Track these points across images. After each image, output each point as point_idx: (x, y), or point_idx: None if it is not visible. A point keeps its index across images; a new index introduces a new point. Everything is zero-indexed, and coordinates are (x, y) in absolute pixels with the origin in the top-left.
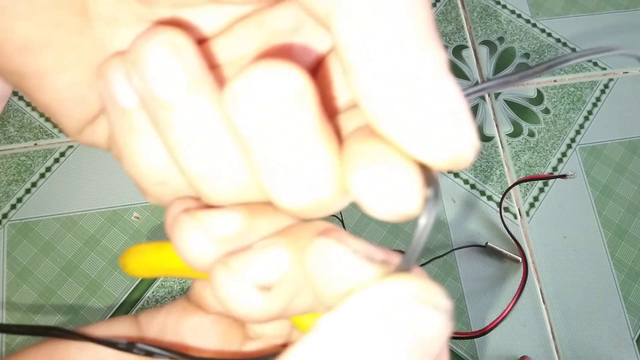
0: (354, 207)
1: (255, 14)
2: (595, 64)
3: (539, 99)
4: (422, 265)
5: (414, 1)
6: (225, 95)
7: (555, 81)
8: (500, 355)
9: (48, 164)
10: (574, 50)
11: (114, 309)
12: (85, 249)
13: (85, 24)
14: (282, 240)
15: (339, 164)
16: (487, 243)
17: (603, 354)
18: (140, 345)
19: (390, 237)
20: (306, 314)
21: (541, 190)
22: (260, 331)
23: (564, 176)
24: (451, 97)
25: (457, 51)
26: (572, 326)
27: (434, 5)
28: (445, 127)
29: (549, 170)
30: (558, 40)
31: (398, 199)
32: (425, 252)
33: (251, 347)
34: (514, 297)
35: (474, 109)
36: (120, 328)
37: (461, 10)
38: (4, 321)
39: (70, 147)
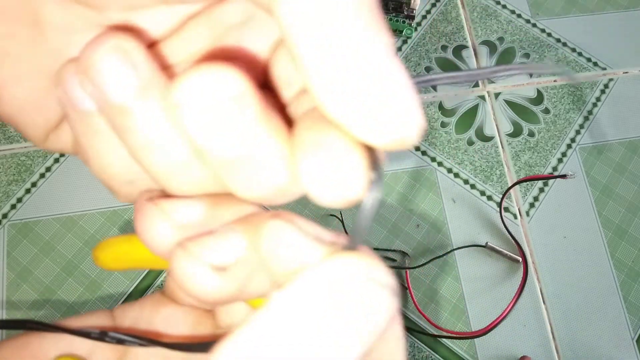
0: (354, 207)
1: (205, 11)
2: (595, 64)
3: (539, 99)
4: (422, 265)
5: None
6: (168, 101)
7: (555, 81)
8: (500, 355)
9: (48, 164)
10: (573, 50)
11: None
12: (85, 249)
13: (38, 34)
14: (240, 227)
15: (290, 152)
16: (487, 243)
17: (603, 354)
18: (112, 334)
19: (391, 237)
20: (263, 298)
21: (541, 190)
22: (230, 322)
23: (564, 176)
24: (396, 79)
25: (457, 51)
26: (572, 326)
27: (434, 5)
28: (390, 109)
29: (549, 170)
30: (558, 40)
31: (343, 184)
32: (425, 252)
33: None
34: (514, 297)
35: (474, 109)
36: (95, 321)
37: (461, 10)
38: None
39: None
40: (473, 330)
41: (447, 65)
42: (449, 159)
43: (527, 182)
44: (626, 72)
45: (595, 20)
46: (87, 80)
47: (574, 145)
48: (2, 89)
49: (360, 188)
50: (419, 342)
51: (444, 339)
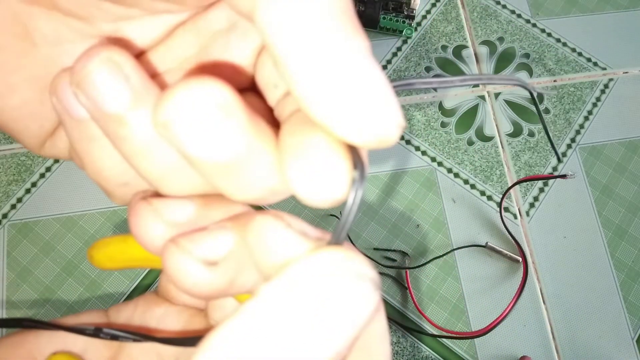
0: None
1: (190, 19)
2: (595, 64)
3: (539, 98)
4: (422, 265)
5: None
6: (156, 119)
7: (555, 81)
8: (500, 355)
9: (48, 164)
10: (573, 50)
11: None
12: (85, 249)
13: (30, 45)
14: (230, 224)
15: (277, 155)
16: (487, 243)
17: (603, 354)
18: (106, 330)
19: (390, 237)
20: (252, 293)
21: (541, 190)
22: (221, 320)
23: (564, 176)
24: (376, 80)
25: (457, 51)
26: (572, 326)
27: (434, 5)
28: (371, 108)
29: (549, 170)
30: (558, 40)
31: (328, 185)
32: (425, 252)
33: None
34: (514, 297)
35: (474, 109)
36: (89, 319)
37: (461, 10)
38: None
39: None
40: (473, 330)
41: (447, 65)
42: (449, 159)
43: (527, 182)
44: (626, 72)
45: (595, 20)
46: (80, 92)
47: (574, 145)
48: None
49: (344, 187)
50: (419, 342)
51: (444, 339)
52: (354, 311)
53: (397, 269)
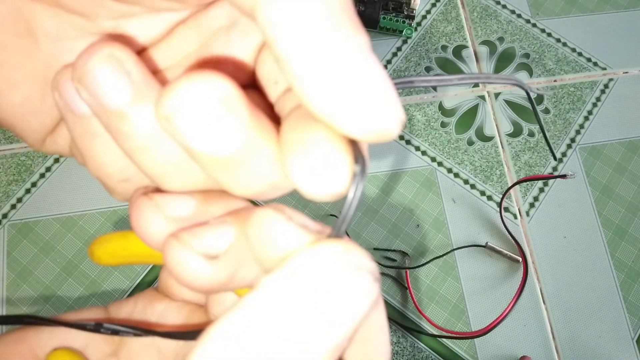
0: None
1: (191, 17)
2: (595, 64)
3: (539, 99)
4: (422, 265)
5: None
6: (158, 109)
7: (555, 81)
8: (500, 355)
9: (48, 164)
10: (573, 50)
11: None
12: (85, 249)
13: (32, 43)
14: (230, 219)
15: (279, 150)
16: (487, 243)
17: (603, 354)
18: (107, 325)
19: (390, 237)
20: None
21: (541, 190)
22: (221, 314)
23: (564, 176)
24: (376, 75)
25: (457, 51)
26: (572, 326)
27: (434, 5)
28: (372, 102)
29: (549, 170)
30: (558, 40)
31: (329, 180)
32: (425, 252)
33: None
34: (514, 297)
35: (474, 109)
36: (90, 315)
37: (461, 10)
38: None
39: None
40: (473, 330)
41: (447, 65)
42: (449, 159)
43: (527, 182)
44: (626, 72)
45: (595, 20)
46: (82, 87)
47: (574, 145)
48: None
49: (346, 182)
50: (419, 342)
51: (444, 339)
52: (354, 303)
53: (397, 269)
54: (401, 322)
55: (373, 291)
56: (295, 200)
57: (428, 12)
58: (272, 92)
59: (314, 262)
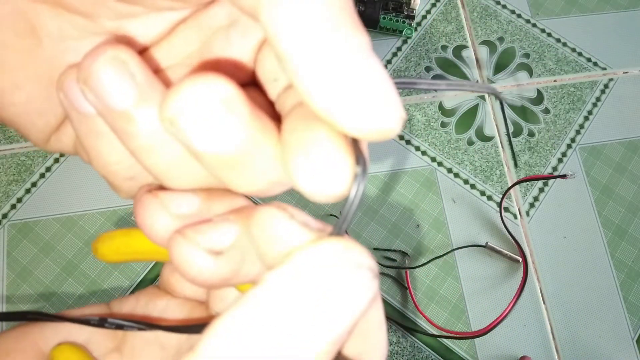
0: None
1: (192, 16)
2: (595, 64)
3: (539, 99)
4: (422, 265)
5: None
6: (162, 112)
7: (555, 81)
8: (500, 355)
9: (48, 164)
10: (573, 50)
11: None
12: (85, 249)
13: (35, 43)
14: (233, 216)
15: (279, 147)
16: (487, 243)
17: (603, 354)
18: (111, 320)
19: (390, 237)
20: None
21: (541, 190)
22: (223, 310)
23: (564, 176)
24: (377, 74)
25: (457, 51)
26: (572, 326)
27: (434, 5)
28: (372, 100)
29: (549, 170)
30: (558, 40)
31: (331, 181)
32: (425, 252)
33: None
34: (514, 297)
35: (474, 109)
36: (92, 312)
37: (461, 10)
38: None
39: None
40: (473, 330)
41: (447, 65)
42: (449, 159)
43: (527, 182)
44: (626, 72)
45: (595, 20)
46: (87, 89)
47: (574, 145)
48: (2, 96)
49: (347, 183)
50: (419, 342)
51: (444, 339)
52: (354, 299)
53: (397, 269)
54: (401, 322)
55: (372, 288)
56: (295, 200)
57: (428, 12)
58: (272, 89)
59: (316, 259)
